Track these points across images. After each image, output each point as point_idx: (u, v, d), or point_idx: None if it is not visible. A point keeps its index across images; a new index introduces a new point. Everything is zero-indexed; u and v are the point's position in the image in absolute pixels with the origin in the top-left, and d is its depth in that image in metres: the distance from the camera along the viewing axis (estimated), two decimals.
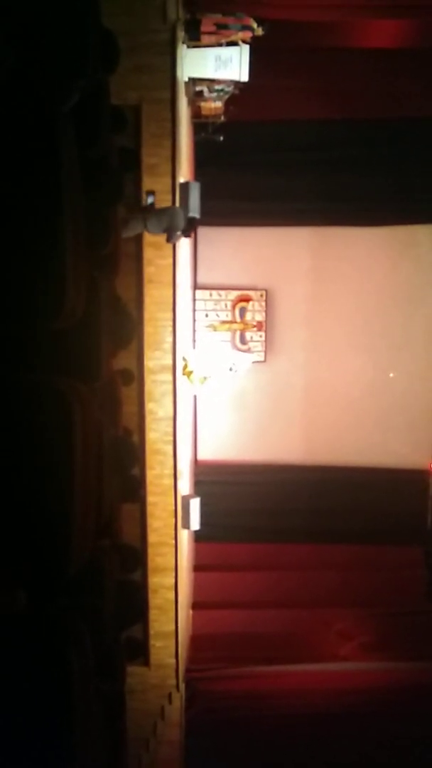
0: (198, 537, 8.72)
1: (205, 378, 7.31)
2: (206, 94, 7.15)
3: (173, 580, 6.81)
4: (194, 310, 9.40)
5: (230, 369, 7.56)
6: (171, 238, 5.48)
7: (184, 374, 6.94)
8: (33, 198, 1.98)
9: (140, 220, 5.19)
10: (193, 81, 6.84)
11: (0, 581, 2.21)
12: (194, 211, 5.69)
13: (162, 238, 6.10)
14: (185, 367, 7.00)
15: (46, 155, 1.99)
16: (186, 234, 5.57)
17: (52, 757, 1.99)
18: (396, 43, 7.67)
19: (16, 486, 2.02)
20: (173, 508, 6.72)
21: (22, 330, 2.22)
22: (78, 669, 2.01)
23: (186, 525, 7.00)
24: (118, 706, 3.65)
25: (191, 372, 7.12)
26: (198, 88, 7.06)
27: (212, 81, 6.88)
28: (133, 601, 3.97)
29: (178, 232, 5.34)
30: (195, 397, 9.01)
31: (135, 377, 6.17)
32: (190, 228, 5.51)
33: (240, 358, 8.03)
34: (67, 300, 2.04)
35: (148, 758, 7.04)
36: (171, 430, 6.54)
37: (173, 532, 6.76)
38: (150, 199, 5.16)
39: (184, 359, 6.93)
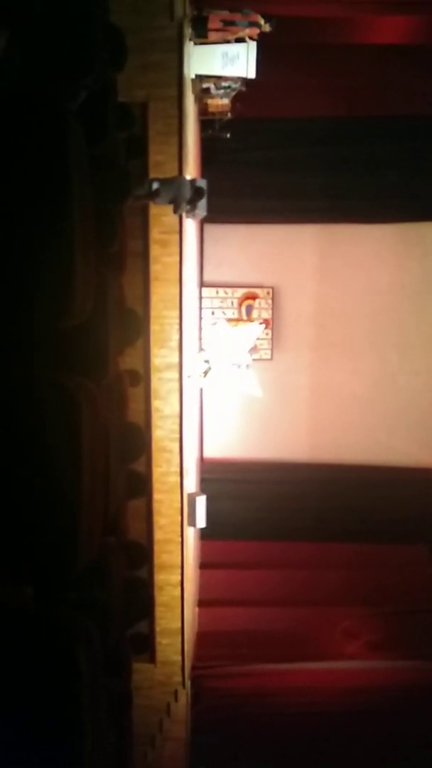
0: (204, 534, 8.72)
1: (207, 370, 7.31)
2: (213, 91, 7.14)
3: (179, 578, 6.82)
4: (200, 308, 9.39)
5: (238, 366, 7.56)
6: (178, 209, 5.40)
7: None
8: (42, 195, 1.98)
9: (146, 184, 5.11)
10: (200, 78, 6.82)
11: (7, 577, 2.21)
12: (201, 209, 5.67)
13: (168, 236, 6.10)
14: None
15: (55, 152, 1.99)
16: (196, 202, 5.41)
17: (61, 753, 2.00)
18: (404, 39, 7.62)
19: (24, 482, 2.02)
20: (179, 505, 6.73)
21: (30, 327, 2.23)
22: (86, 665, 2.01)
23: (192, 522, 7.00)
24: (125, 702, 3.66)
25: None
26: (205, 85, 7.05)
27: (219, 78, 6.86)
28: (140, 597, 3.97)
29: (185, 204, 5.27)
30: (201, 394, 9.00)
31: (142, 378, 6.17)
32: (198, 198, 5.38)
33: (244, 355, 8.01)
34: (75, 297, 2.04)
35: (154, 755, 7.06)
36: (177, 427, 6.54)
37: (179, 529, 6.77)
38: (155, 185, 5.16)
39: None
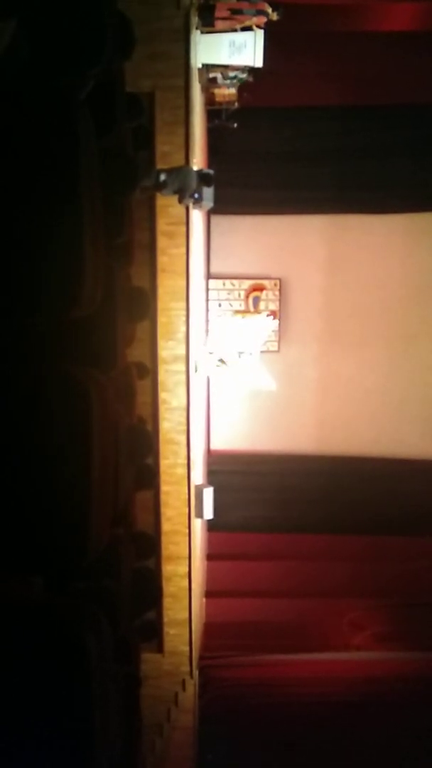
0: (211, 526, 8.76)
1: (222, 362, 7.32)
2: (220, 80, 7.09)
3: (187, 569, 6.85)
4: (207, 300, 9.38)
5: (243, 355, 7.57)
6: (183, 199, 5.36)
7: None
8: (50, 186, 1.97)
9: (153, 175, 5.07)
10: (207, 67, 6.78)
11: (18, 568, 2.23)
12: (208, 200, 5.64)
13: (175, 228, 6.07)
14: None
15: (64, 143, 1.98)
16: (200, 196, 5.35)
17: (71, 742, 2.02)
18: (414, 26, 7.53)
19: (35, 473, 2.03)
20: (186, 497, 6.75)
21: (39, 319, 2.23)
22: (96, 654, 2.03)
23: (199, 514, 7.03)
24: (134, 691, 3.69)
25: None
26: (212, 75, 7.00)
27: (226, 67, 6.82)
28: (148, 587, 3.99)
29: (190, 193, 5.24)
30: (208, 386, 9.00)
31: (149, 370, 6.17)
32: (206, 184, 5.32)
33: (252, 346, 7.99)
34: (84, 287, 2.04)
35: (162, 744, 7.13)
36: (184, 419, 6.55)
37: (187, 521, 6.80)
38: (162, 176, 5.14)
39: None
